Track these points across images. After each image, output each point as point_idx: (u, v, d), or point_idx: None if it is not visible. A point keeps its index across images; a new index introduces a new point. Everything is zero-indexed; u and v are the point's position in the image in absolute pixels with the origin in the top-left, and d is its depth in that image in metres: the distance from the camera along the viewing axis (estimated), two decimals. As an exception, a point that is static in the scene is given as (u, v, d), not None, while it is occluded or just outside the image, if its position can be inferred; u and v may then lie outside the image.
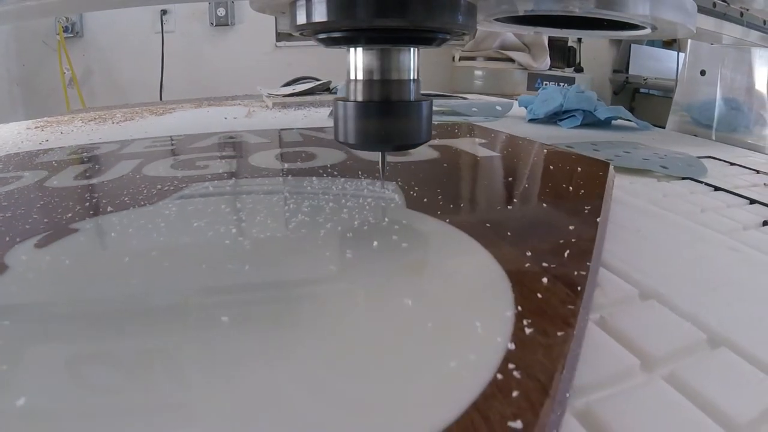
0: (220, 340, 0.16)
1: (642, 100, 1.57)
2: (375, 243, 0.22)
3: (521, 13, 0.27)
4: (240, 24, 1.70)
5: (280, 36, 1.71)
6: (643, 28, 0.28)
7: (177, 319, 0.17)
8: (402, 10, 0.20)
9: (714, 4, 0.52)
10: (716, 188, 0.39)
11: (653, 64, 1.58)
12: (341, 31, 0.22)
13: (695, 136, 0.70)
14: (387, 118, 0.23)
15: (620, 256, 0.24)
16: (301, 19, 0.22)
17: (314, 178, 0.35)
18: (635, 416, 0.14)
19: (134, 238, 0.25)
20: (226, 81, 1.62)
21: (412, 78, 0.24)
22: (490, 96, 1.11)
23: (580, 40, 1.54)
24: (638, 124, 0.66)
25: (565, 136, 0.59)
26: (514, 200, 0.29)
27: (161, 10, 1.64)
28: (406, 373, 0.13)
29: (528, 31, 0.34)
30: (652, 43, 1.64)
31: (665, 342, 0.17)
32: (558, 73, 1.48)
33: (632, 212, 0.32)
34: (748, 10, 0.56)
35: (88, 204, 0.32)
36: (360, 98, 0.24)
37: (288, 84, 1.19)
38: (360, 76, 0.23)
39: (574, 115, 0.63)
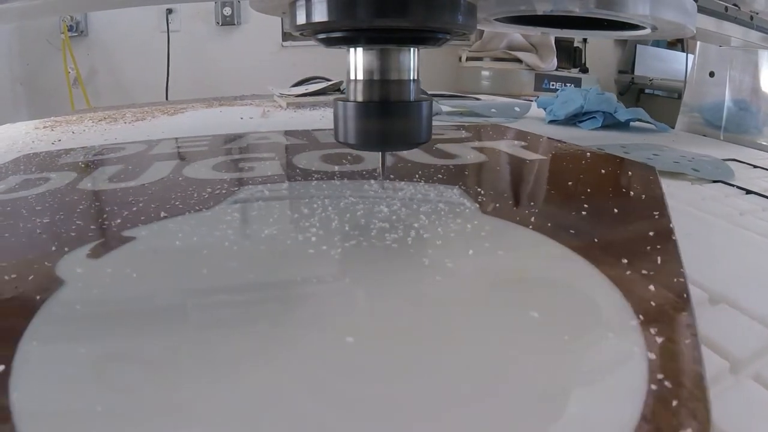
0: (350, 363, 0.15)
1: (646, 101, 1.58)
2: (470, 251, 0.22)
3: (520, 14, 0.27)
4: (246, 24, 1.70)
5: (287, 36, 1.71)
6: (643, 28, 0.28)
7: (310, 341, 0.16)
8: (402, 10, 0.20)
9: (726, 9, 0.53)
10: (747, 191, 0.39)
11: (659, 64, 1.60)
12: (341, 31, 0.22)
13: (704, 136, 0.71)
14: (387, 118, 0.23)
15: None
16: (301, 19, 0.22)
17: (372, 181, 0.34)
18: (737, 417, 0.14)
19: (204, 246, 0.24)
20: (232, 81, 1.62)
21: (411, 78, 0.24)
22: (497, 96, 1.11)
23: (585, 40, 1.54)
24: (656, 125, 0.67)
25: (589, 137, 0.59)
26: (585, 205, 0.29)
27: (167, 9, 1.63)
28: (567, 389, 0.13)
29: (527, 31, 0.34)
30: (657, 43, 1.65)
31: (745, 344, 0.18)
32: (564, 73, 1.49)
33: (676, 215, 0.32)
34: (757, 13, 0.57)
35: (135, 209, 0.30)
36: (360, 98, 0.23)
37: (298, 84, 1.19)
38: (360, 77, 0.23)
39: (594, 117, 0.64)
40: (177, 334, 0.17)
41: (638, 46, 1.61)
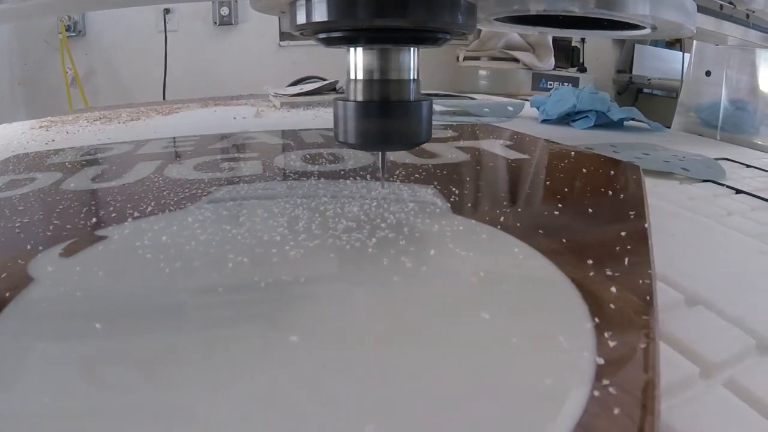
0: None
1: (644, 100, 1.57)
2: (432, 251, 0.22)
3: (519, 14, 0.27)
4: (244, 23, 1.70)
5: (284, 35, 1.70)
6: (643, 28, 0.28)
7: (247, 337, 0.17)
8: (402, 9, 0.20)
9: (721, 6, 0.53)
10: (737, 191, 0.39)
11: (657, 64, 1.59)
12: (341, 31, 0.22)
13: (700, 136, 0.71)
14: (387, 118, 0.23)
15: (660, 260, 0.24)
16: (301, 19, 0.22)
17: (348, 181, 0.34)
18: (704, 425, 0.14)
19: (171, 246, 0.24)
20: (230, 80, 1.62)
21: (411, 78, 0.24)
22: (493, 96, 1.11)
23: (583, 40, 1.54)
24: (650, 125, 0.66)
25: (580, 137, 0.59)
26: (559, 205, 0.29)
27: (164, 9, 1.63)
28: (504, 392, 0.13)
29: (526, 31, 0.33)
30: (655, 43, 1.64)
31: (719, 348, 0.17)
32: (562, 73, 1.48)
33: (661, 215, 0.32)
34: (753, 12, 0.56)
35: (111, 208, 0.31)
36: (360, 98, 0.24)
37: (293, 84, 1.19)
38: (360, 76, 0.23)
39: (587, 116, 0.63)
40: (147, 332, 0.17)
41: (636, 45, 1.60)
